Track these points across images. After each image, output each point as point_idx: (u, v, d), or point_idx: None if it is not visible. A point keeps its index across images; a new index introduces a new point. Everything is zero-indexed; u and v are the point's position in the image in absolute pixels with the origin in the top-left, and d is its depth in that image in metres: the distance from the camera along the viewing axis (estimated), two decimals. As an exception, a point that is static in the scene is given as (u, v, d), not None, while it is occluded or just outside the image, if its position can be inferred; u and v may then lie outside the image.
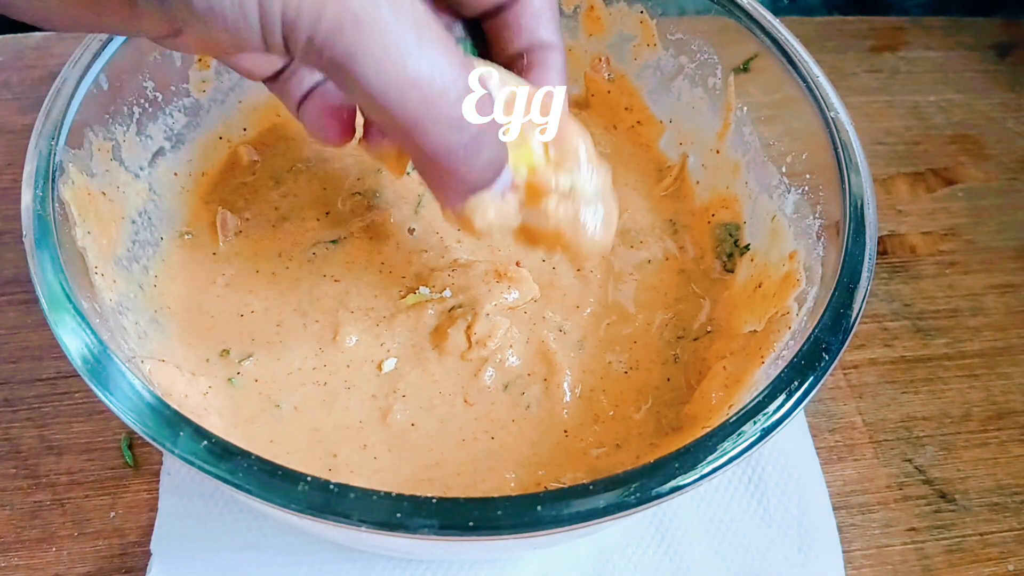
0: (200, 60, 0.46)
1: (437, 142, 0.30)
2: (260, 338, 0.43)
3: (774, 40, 0.44)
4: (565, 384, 0.42)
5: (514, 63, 0.37)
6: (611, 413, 0.42)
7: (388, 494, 0.29)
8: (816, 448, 0.50)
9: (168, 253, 0.45)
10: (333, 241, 0.46)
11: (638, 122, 0.52)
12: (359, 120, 0.37)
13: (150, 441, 0.31)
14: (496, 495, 0.35)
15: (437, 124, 0.30)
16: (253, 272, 0.45)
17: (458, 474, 0.39)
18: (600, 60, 0.51)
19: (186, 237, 0.46)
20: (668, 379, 0.43)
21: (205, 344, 0.42)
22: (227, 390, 0.41)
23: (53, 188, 0.36)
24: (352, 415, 0.41)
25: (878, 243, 0.38)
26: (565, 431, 0.41)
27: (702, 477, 0.31)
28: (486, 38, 0.38)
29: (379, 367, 0.42)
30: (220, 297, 0.44)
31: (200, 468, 0.30)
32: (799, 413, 0.34)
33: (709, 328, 0.44)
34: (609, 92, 0.52)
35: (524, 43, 0.37)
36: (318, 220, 0.47)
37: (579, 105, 0.53)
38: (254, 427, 0.40)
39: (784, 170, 0.44)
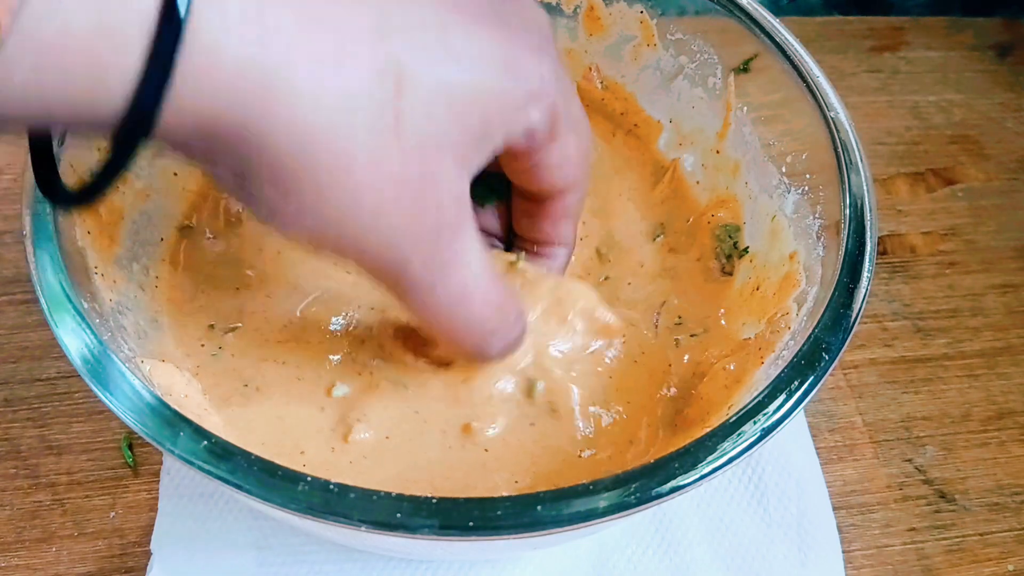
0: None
1: (467, 349, 0.36)
2: (247, 308, 0.43)
3: (774, 40, 0.44)
4: (566, 382, 0.42)
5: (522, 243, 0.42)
6: (618, 407, 0.42)
7: (388, 494, 0.29)
8: (816, 448, 0.50)
9: (169, 250, 0.45)
10: None
11: (635, 125, 0.52)
12: None
13: (150, 441, 0.31)
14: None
15: (469, 342, 0.35)
16: (256, 251, 0.45)
17: (447, 478, 0.39)
18: (590, 69, 0.52)
19: (187, 228, 0.46)
20: (670, 364, 0.43)
21: (196, 322, 0.42)
22: (211, 366, 0.41)
23: (53, 188, 0.36)
24: (311, 418, 0.40)
25: (878, 243, 0.38)
26: (566, 429, 0.41)
27: (702, 477, 0.31)
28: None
29: (328, 392, 0.40)
30: (217, 276, 0.44)
31: (200, 468, 0.30)
32: (799, 413, 0.34)
33: (705, 329, 0.44)
34: (603, 99, 0.52)
35: (537, 236, 0.41)
36: None
37: None
38: (230, 410, 0.40)
39: (784, 170, 0.44)
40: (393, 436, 0.39)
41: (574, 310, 0.40)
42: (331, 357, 0.41)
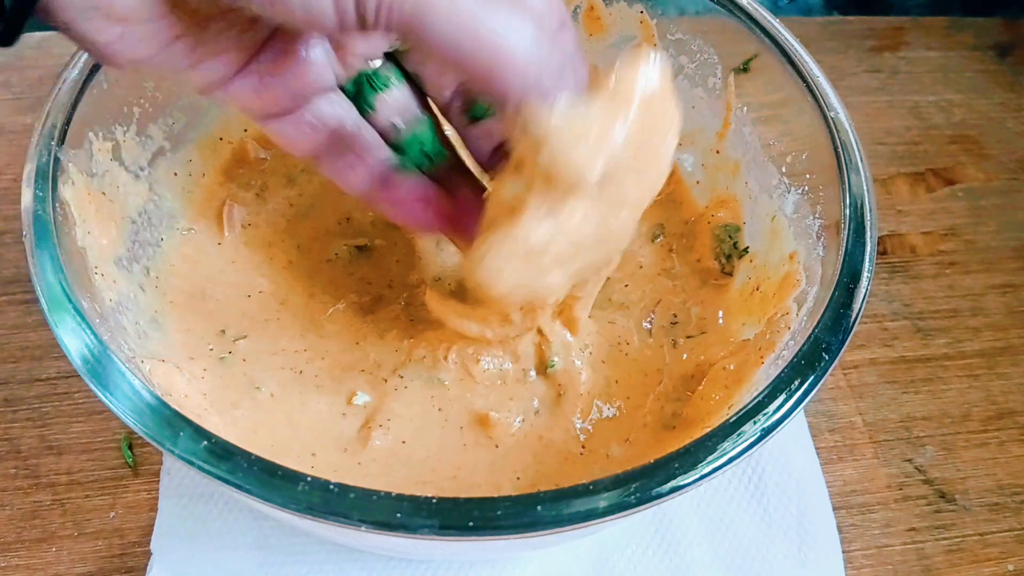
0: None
1: (512, 86, 0.30)
2: (259, 316, 0.43)
3: (774, 40, 0.44)
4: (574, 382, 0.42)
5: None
6: (617, 403, 0.42)
7: (388, 494, 0.29)
8: (816, 448, 0.50)
9: (169, 251, 0.45)
10: (359, 247, 0.46)
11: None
12: None
13: (150, 441, 0.31)
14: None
15: (511, 70, 0.30)
16: (267, 259, 0.45)
17: (453, 478, 0.39)
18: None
19: (190, 232, 0.46)
20: (666, 363, 0.43)
21: (204, 327, 0.42)
22: (219, 370, 0.41)
23: (53, 188, 0.36)
24: (327, 423, 0.40)
25: (878, 243, 0.38)
26: (567, 420, 0.41)
27: (702, 477, 0.31)
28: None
29: (349, 400, 0.41)
30: (226, 283, 0.44)
31: (200, 468, 0.30)
32: (799, 413, 0.34)
33: (703, 331, 0.44)
34: None
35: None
36: (339, 224, 0.47)
37: None
38: (237, 413, 0.40)
39: (784, 170, 0.44)
40: (410, 440, 0.40)
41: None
42: (353, 365, 0.42)
